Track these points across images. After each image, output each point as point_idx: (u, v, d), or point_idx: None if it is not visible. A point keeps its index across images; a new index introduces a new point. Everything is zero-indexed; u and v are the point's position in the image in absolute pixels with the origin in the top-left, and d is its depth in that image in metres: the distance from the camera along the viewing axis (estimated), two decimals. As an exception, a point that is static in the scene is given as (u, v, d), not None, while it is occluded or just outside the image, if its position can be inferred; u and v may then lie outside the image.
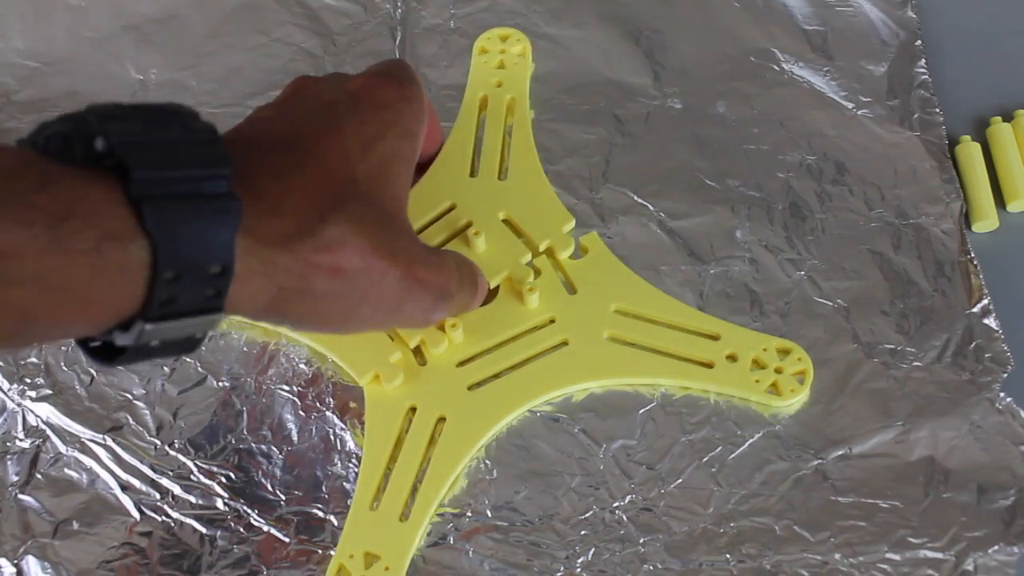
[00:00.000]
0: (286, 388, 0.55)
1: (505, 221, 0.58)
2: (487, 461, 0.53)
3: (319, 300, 0.42)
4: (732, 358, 0.54)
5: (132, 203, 0.36)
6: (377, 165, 0.46)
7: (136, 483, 0.53)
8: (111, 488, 0.53)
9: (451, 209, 0.58)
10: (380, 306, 0.45)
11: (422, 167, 0.59)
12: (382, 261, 0.44)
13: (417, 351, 0.55)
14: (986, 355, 0.55)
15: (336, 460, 0.53)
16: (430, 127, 0.54)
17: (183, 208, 0.37)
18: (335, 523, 0.52)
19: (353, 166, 0.45)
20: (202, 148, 0.38)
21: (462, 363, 0.55)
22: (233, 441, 0.54)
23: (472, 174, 0.59)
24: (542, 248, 0.57)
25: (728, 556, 0.50)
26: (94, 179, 0.36)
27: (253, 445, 0.54)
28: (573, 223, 0.58)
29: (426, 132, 0.51)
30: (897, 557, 0.50)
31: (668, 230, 0.59)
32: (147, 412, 0.55)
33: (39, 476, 0.53)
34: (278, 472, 0.53)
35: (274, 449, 0.53)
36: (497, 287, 0.56)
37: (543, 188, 0.59)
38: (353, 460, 0.53)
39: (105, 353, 0.39)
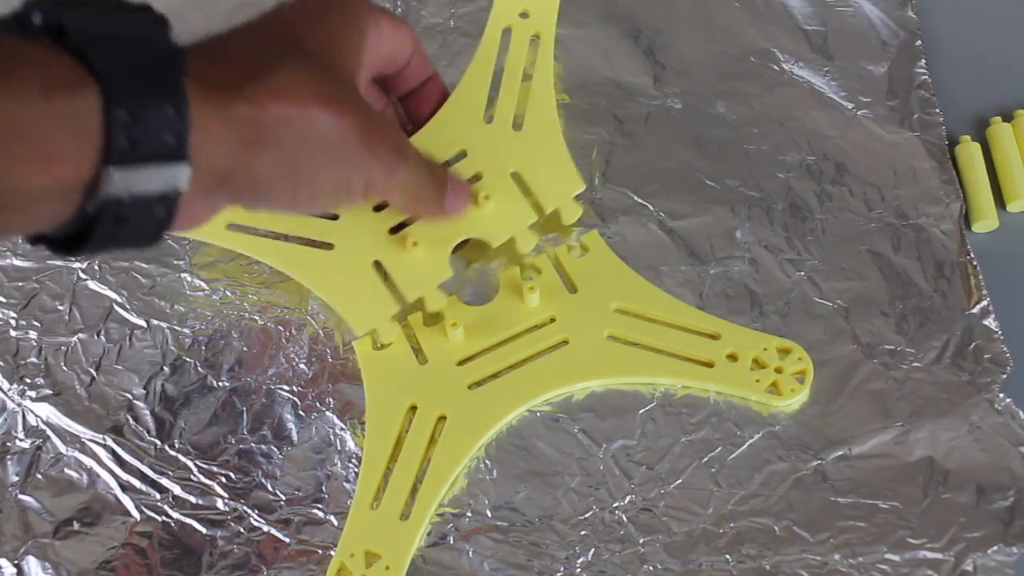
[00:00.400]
0: (286, 388, 0.55)
1: (514, 175, 0.57)
2: (487, 461, 0.53)
3: (281, 152, 0.43)
4: (732, 357, 0.55)
5: (75, 55, 0.37)
6: (325, 40, 0.47)
7: (136, 483, 0.53)
8: (111, 488, 0.53)
9: (461, 156, 0.57)
10: (341, 158, 0.46)
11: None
12: (335, 107, 0.44)
13: (417, 335, 0.55)
14: (985, 356, 0.55)
15: (336, 460, 0.53)
16: (395, 28, 0.52)
17: (126, 52, 0.38)
18: (335, 523, 0.52)
19: (299, 36, 0.47)
20: (139, 10, 0.40)
21: (462, 362, 0.55)
22: (233, 441, 0.54)
23: (487, 120, 0.58)
24: (547, 211, 0.57)
25: (728, 556, 0.50)
26: (36, 40, 0.37)
27: (253, 445, 0.54)
28: (583, 187, 0.58)
29: (391, 34, 0.51)
30: (896, 558, 0.50)
31: (668, 230, 0.59)
32: (147, 412, 0.55)
33: (39, 476, 0.53)
34: (278, 472, 0.53)
35: (274, 449, 0.54)
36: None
37: (557, 145, 0.58)
38: (353, 460, 0.53)
39: (69, 245, 0.39)
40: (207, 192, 0.42)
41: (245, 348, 0.56)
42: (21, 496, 0.53)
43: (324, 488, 0.52)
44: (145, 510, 0.52)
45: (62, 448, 0.54)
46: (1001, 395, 0.54)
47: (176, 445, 0.54)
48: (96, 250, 0.40)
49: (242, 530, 0.52)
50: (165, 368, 0.56)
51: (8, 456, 0.54)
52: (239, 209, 0.50)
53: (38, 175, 0.36)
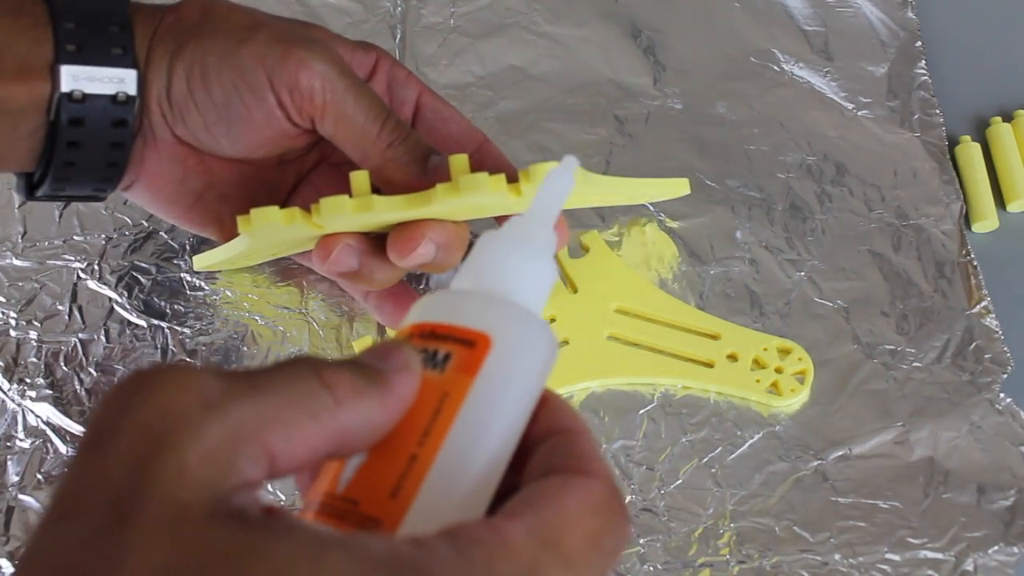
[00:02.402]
0: (286, 388, 0.55)
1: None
2: (487, 461, 0.53)
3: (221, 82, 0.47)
4: (733, 358, 0.55)
5: None
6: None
7: (136, 483, 0.53)
8: (111, 488, 0.53)
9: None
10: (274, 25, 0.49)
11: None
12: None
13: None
14: (986, 356, 0.55)
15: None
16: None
17: None
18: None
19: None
20: None
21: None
22: (233, 441, 0.54)
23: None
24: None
25: (728, 556, 0.50)
26: None
27: (253, 445, 0.54)
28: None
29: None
30: (897, 557, 0.50)
31: (668, 230, 0.59)
32: (147, 412, 0.54)
33: (39, 476, 0.53)
34: (278, 472, 0.53)
35: (274, 449, 0.53)
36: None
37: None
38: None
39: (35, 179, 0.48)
40: (156, 119, 0.48)
41: (245, 348, 0.56)
42: (21, 496, 0.53)
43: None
44: (145, 510, 0.52)
45: (62, 448, 0.54)
46: (1002, 395, 0.54)
47: (176, 445, 0.54)
48: (61, 176, 0.48)
49: (242, 530, 0.52)
50: (165, 368, 0.56)
51: (8, 456, 0.54)
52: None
53: (15, 85, 0.45)
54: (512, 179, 0.47)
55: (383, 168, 0.48)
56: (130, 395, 0.26)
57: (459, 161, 0.47)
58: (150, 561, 0.24)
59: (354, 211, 0.47)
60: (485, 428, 0.29)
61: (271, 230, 0.48)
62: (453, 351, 0.30)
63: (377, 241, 0.50)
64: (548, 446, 0.30)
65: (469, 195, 0.46)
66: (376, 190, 0.49)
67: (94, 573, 0.24)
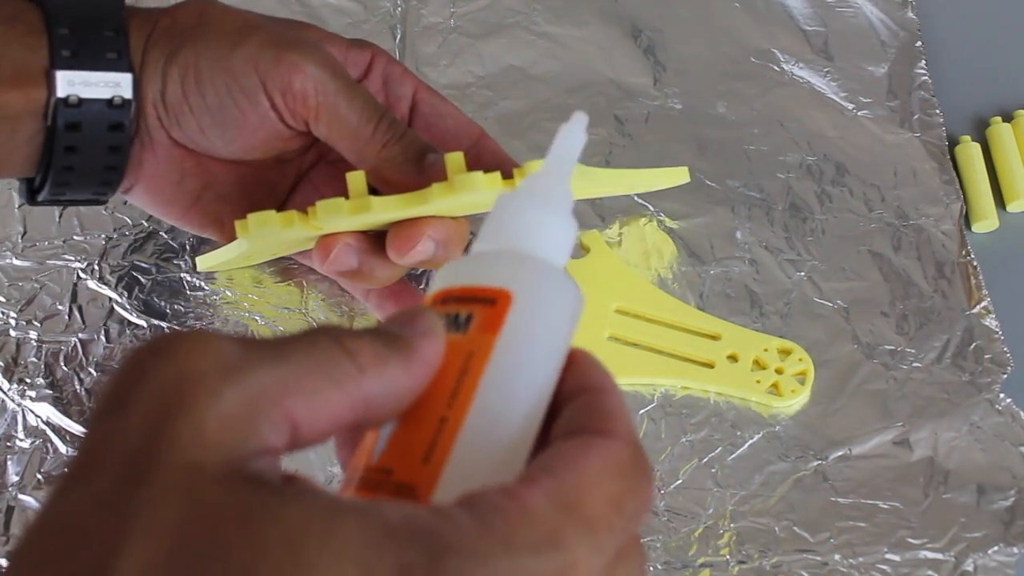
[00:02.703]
0: (286, 388, 0.55)
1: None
2: (487, 461, 0.53)
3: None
4: (733, 358, 0.55)
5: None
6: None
7: (136, 483, 0.53)
8: (111, 488, 0.53)
9: None
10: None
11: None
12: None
13: None
14: (986, 356, 0.55)
15: (337, 460, 0.53)
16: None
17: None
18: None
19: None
20: None
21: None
22: (233, 441, 0.54)
23: None
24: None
25: (728, 556, 0.50)
26: None
27: (253, 445, 0.54)
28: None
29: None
30: (897, 558, 0.50)
31: (668, 230, 0.59)
32: (147, 412, 0.54)
33: (39, 476, 0.53)
34: (278, 472, 0.53)
35: (274, 449, 0.53)
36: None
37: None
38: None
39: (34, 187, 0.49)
40: (152, 122, 0.48)
41: (245, 348, 0.56)
42: (21, 496, 0.53)
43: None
44: (145, 510, 0.52)
45: (62, 448, 0.54)
46: (1001, 395, 0.54)
47: (176, 445, 0.54)
48: (60, 180, 0.48)
49: (242, 530, 0.52)
50: (165, 368, 0.55)
51: (8, 456, 0.54)
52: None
53: (11, 91, 0.45)
54: (508, 175, 0.47)
55: (379, 168, 0.48)
56: (148, 359, 0.26)
57: (455, 159, 0.47)
58: (162, 521, 0.23)
59: (350, 213, 0.47)
60: (512, 385, 0.28)
61: (269, 234, 0.48)
62: (475, 311, 0.29)
63: (377, 239, 0.50)
64: (573, 405, 0.29)
65: (464, 194, 0.46)
66: (374, 190, 0.49)
67: (106, 533, 0.23)
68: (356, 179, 0.47)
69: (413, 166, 0.48)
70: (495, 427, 0.28)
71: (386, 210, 0.47)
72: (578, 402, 0.29)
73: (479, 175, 0.46)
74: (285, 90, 0.47)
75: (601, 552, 0.26)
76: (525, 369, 0.29)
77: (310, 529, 0.24)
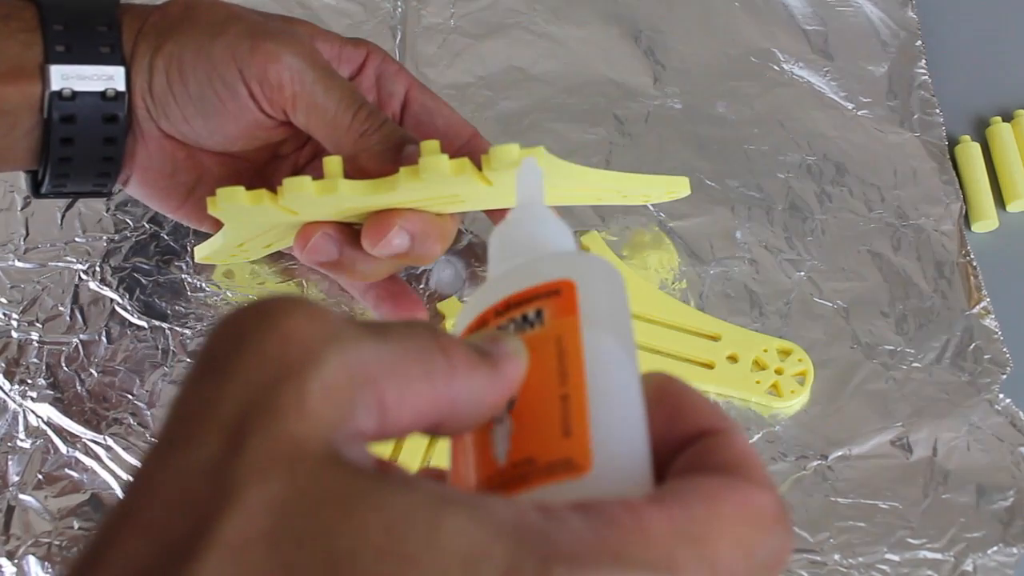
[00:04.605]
0: (287, 388, 0.55)
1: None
2: (487, 461, 0.53)
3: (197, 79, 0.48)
4: (733, 359, 0.55)
5: None
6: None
7: (137, 483, 0.53)
8: (111, 488, 0.53)
9: None
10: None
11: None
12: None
13: None
14: (985, 356, 0.55)
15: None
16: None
17: None
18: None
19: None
20: None
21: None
22: (234, 441, 0.54)
23: None
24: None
25: (728, 557, 0.50)
26: None
27: (254, 445, 0.54)
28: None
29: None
30: (896, 558, 0.50)
31: (668, 230, 0.59)
32: (148, 412, 0.55)
33: (40, 476, 0.53)
34: (279, 472, 0.53)
35: (275, 449, 0.53)
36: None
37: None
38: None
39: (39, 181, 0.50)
40: (142, 113, 0.49)
41: (246, 349, 0.56)
42: (22, 496, 0.53)
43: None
44: (146, 510, 0.52)
45: (63, 448, 0.54)
46: (1001, 395, 0.54)
47: (177, 446, 0.54)
48: (59, 172, 0.49)
49: (243, 530, 0.52)
50: (165, 368, 0.56)
51: (9, 456, 0.54)
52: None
53: (7, 86, 0.47)
54: (476, 162, 0.46)
55: (357, 157, 0.48)
56: (251, 321, 0.25)
57: (429, 147, 0.46)
58: (263, 497, 0.22)
59: (317, 192, 0.46)
60: (612, 351, 0.28)
61: (243, 212, 0.48)
62: (542, 306, 0.29)
63: (359, 232, 0.50)
64: (703, 445, 0.27)
65: (431, 178, 0.45)
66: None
67: (205, 502, 0.23)
68: (332, 162, 0.47)
69: (391, 155, 0.48)
70: (616, 389, 0.28)
71: (355, 193, 0.47)
72: (708, 442, 0.27)
73: (444, 159, 0.45)
74: (262, 79, 0.48)
75: None
76: (615, 334, 0.29)
77: (415, 520, 0.22)
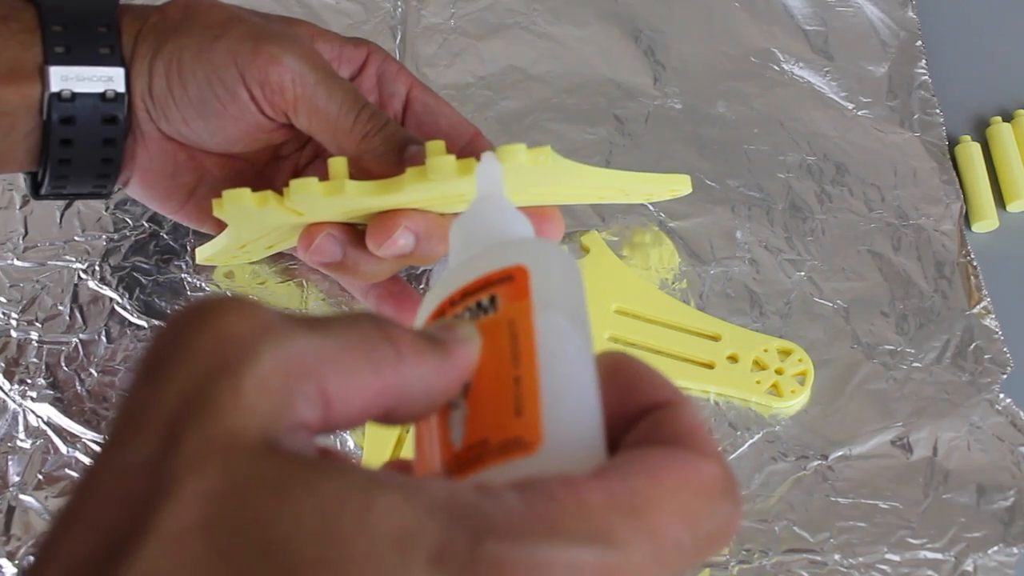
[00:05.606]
0: (287, 388, 0.55)
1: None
2: (487, 461, 0.53)
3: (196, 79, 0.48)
4: (733, 359, 0.55)
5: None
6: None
7: (137, 483, 0.53)
8: (112, 488, 0.53)
9: None
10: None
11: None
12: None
13: None
14: (985, 356, 0.55)
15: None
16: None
17: None
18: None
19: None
20: None
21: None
22: (234, 441, 0.54)
23: None
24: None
25: (728, 556, 0.50)
26: None
27: (254, 445, 0.54)
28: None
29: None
30: (897, 558, 0.50)
31: (668, 230, 0.59)
32: (148, 412, 0.54)
33: (40, 476, 0.53)
34: (279, 472, 0.53)
35: (275, 449, 0.53)
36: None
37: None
38: (353, 461, 0.53)
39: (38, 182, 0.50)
40: (141, 115, 0.49)
41: (246, 348, 0.56)
42: (22, 496, 0.53)
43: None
44: (146, 510, 0.52)
45: (63, 448, 0.54)
46: (1001, 395, 0.54)
47: (177, 445, 0.54)
48: (59, 173, 0.49)
49: (243, 530, 0.52)
50: (166, 368, 0.56)
51: (9, 456, 0.54)
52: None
53: (6, 88, 0.47)
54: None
55: (360, 159, 0.48)
56: (187, 323, 0.25)
57: (435, 147, 0.46)
58: (199, 489, 0.23)
59: (323, 193, 0.46)
60: (564, 331, 0.28)
61: (248, 214, 0.48)
62: (496, 292, 0.29)
63: (362, 233, 0.50)
64: (652, 418, 0.27)
65: (438, 179, 0.45)
66: None
67: (144, 497, 0.23)
68: (337, 163, 0.47)
69: (394, 157, 0.48)
70: (568, 369, 0.28)
71: (361, 194, 0.47)
72: (657, 415, 0.27)
73: (450, 159, 0.45)
74: (263, 82, 0.48)
75: (665, 567, 0.24)
76: (568, 315, 0.29)
77: (347, 504, 0.23)
